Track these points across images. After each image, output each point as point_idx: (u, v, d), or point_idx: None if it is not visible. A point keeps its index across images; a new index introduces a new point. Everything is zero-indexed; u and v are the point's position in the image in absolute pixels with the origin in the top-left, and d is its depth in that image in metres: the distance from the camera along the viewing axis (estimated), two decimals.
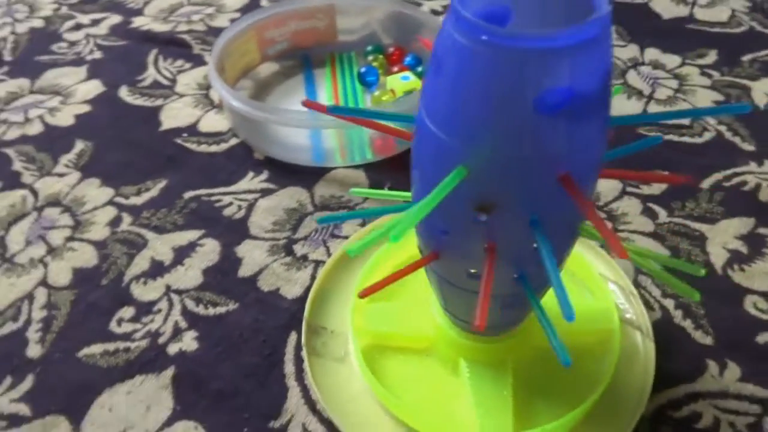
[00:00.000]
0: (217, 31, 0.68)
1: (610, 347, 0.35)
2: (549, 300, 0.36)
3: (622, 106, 0.56)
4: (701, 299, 0.40)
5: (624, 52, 0.64)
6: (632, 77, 0.60)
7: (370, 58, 0.60)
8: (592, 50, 0.22)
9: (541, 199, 0.24)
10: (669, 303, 0.40)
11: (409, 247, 0.38)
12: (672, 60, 0.62)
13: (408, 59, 0.59)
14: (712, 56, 0.62)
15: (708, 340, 0.38)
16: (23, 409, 0.35)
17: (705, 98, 0.57)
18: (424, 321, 0.37)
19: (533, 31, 0.21)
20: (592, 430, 0.33)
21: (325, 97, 0.57)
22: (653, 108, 0.56)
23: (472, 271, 0.28)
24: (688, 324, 0.39)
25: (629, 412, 0.33)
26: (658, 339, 0.37)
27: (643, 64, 0.62)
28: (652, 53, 0.63)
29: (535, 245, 0.26)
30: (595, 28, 0.21)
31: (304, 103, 0.29)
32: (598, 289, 0.39)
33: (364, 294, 0.27)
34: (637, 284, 0.41)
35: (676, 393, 0.35)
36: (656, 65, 0.61)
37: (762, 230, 0.44)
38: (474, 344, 0.35)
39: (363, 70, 0.57)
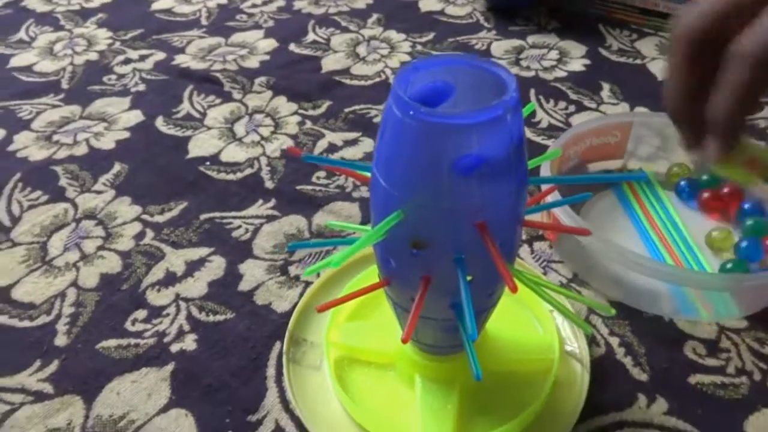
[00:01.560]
0: (246, 71, 0.76)
1: (549, 374, 0.40)
2: (499, 327, 0.41)
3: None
4: (644, 341, 0.44)
5: (615, 110, 0.69)
6: None
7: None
8: (497, 126, 0.28)
9: (463, 241, 0.30)
10: (614, 340, 0.44)
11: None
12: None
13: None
14: None
15: (643, 377, 0.42)
16: (47, 388, 0.42)
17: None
18: (389, 339, 0.42)
19: (448, 111, 0.27)
20: None
21: (641, 217, 0.55)
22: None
23: (414, 297, 0.34)
24: (628, 360, 0.43)
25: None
26: (598, 372, 0.42)
27: None
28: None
29: (468, 278, 0.32)
30: (498, 110, 0.27)
31: (288, 149, 0.36)
32: (547, 324, 0.44)
33: (321, 309, 0.33)
34: (587, 321, 0.46)
35: (605, 420, 0.39)
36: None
37: None
38: (427, 362, 0.40)
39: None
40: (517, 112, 0.29)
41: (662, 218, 0.55)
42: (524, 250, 0.52)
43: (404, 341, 0.29)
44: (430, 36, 0.84)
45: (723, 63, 0.30)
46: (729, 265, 0.49)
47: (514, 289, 0.27)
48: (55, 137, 0.66)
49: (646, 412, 0.40)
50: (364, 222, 0.54)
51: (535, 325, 0.45)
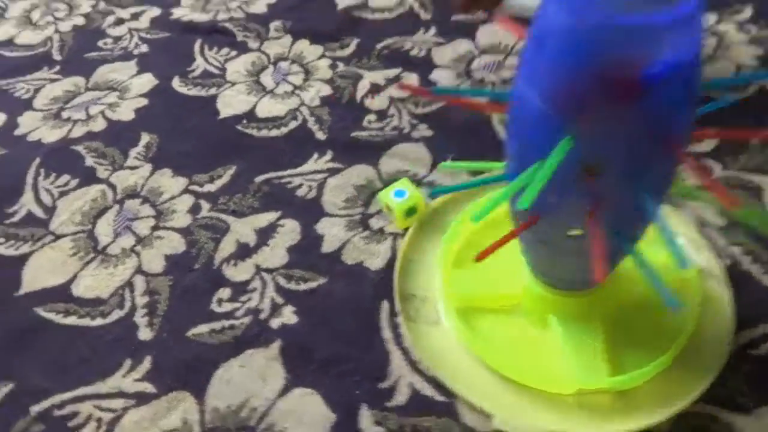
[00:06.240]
0: (256, 17, 0.69)
1: (690, 295, 0.38)
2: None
3: None
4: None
5: None
6: None
7: None
8: (686, 26, 0.24)
9: (643, 160, 0.26)
10: (736, 251, 0.42)
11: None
12: (708, 18, 0.63)
13: None
14: (747, 11, 0.63)
15: None
16: (148, 387, 0.38)
17: (745, 53, 0.58)
18: (509, 282, 0.39)
19: (634, 10, 0.23)
20: (679, 374, 0.35)
21: None
22: None
23: (572, 233, 0.30)
24: (756, 269, 0.41)
25: (714, 355, 0.36)
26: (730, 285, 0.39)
27: None
28: None
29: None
30: (688, 7, 0.23)
31: (399, 85, 0.31)
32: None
33: (480, 257, 0.29)
34: (704, 236, 0.43)
35: (755, 333, 0.37)
36: None
37: None
38: (564, 299, 0.37)
39: None
40: (701, 10, 0.24)
41: None
42: None
43: (599, 280, 0.26)
44: None
45: None
46: None
47: (736, 203, 0.24)
48: (65, 114, 0.59)
49: None
50: (434, 162, 0.50)
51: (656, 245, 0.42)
